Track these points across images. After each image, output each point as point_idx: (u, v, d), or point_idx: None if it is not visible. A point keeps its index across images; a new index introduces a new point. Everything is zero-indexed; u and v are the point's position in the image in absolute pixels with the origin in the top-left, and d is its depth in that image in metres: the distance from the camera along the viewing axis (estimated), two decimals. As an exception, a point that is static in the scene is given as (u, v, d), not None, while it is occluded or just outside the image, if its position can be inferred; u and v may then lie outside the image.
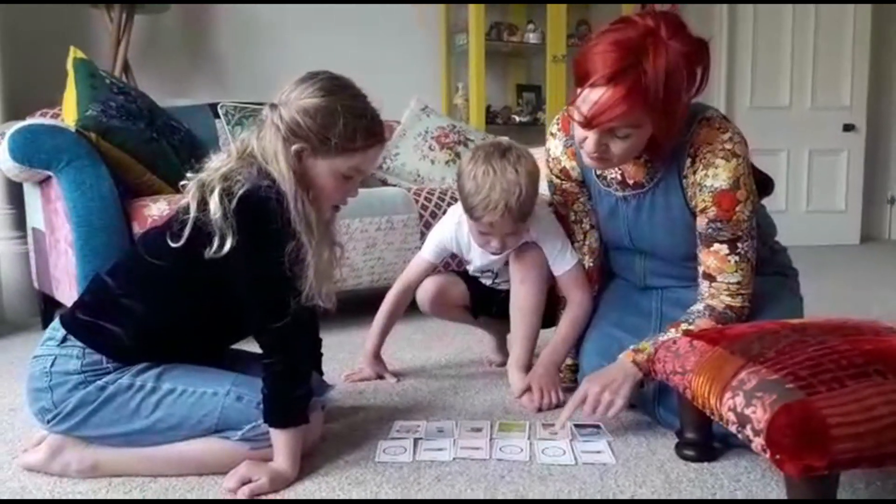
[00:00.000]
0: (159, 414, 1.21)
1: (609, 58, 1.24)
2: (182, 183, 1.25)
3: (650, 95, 1.24)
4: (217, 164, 1.23)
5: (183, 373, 1.25)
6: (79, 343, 1.22)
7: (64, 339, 1.23)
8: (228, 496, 1.16)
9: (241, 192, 1.15)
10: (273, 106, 1.24)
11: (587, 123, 1.30)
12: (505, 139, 1.76)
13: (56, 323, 1.27)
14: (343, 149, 1.22)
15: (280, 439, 1.20)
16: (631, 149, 1.36)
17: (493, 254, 1.66)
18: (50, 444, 1.25)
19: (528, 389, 1.59)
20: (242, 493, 1.15)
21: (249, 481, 1.17)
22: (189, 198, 1.20)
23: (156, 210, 2.11)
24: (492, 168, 1.51)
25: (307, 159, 1.23)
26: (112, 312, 1.24)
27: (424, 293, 1.81)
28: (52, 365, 1.22)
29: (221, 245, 1.15)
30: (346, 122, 1.21)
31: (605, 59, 1.25)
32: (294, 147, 1.21)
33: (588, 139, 1.34)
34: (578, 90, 1.31)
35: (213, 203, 1.15)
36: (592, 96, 1.27)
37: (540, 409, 1.56)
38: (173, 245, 1.19)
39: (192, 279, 1.23)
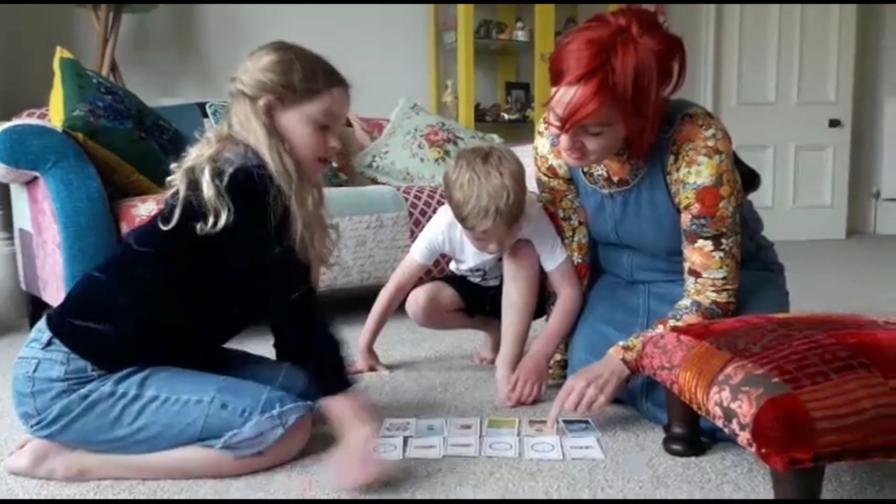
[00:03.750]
0: (141, 422, 1.20)
1: (581, 56, 1.26)
2: (168, 178, 1.25)
3: (619, 93, 1.26)
4: (199, 151, 1.24)
5: (167, 378, 1.23)
6: (64, 348, 1.20)
7: (49, 343, 1.21)
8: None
9: (231, 169, 1.17)
10: (233, 79, 1.29)
11: (562, 125, 1.31)
12: (486, 143, 1.77)
13: (41, 324, 1.25)
14: (307, 91, 1.26)
15: (342, 405, 1.24)
16: (606, 146, 1.37)
17: (492, 254, 1.66)
18: (35, 449, 1.23)
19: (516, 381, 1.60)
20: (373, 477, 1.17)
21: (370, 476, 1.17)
22: (177, 183, 1.21)
23: (144, 210, 2.10)
24: (476, 175, 1.51)
25: (278, 113, 1.26)
26: (102, 310, 1.23)
27: (415, 305, 1.80)
28: (34, 370, 1.20)
29: (216, 222, 1.15)
30: (304, 65, 1.26)
31: (577, 58, 1.26)
32: (261, 102, 1.25)
33: (563, 137, 1.35)
34: (553, 89, 1.32)
35: (205, 183, 1.16)
36: (565, 97, 1.28)
37: (520, 402, 1.56)
38: (164, 228, 1.20)
39: (184, 264, 1.22)
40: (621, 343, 1.43)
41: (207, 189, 1.16)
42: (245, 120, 1.25)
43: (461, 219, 1.56)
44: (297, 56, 1.27)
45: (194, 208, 1.17)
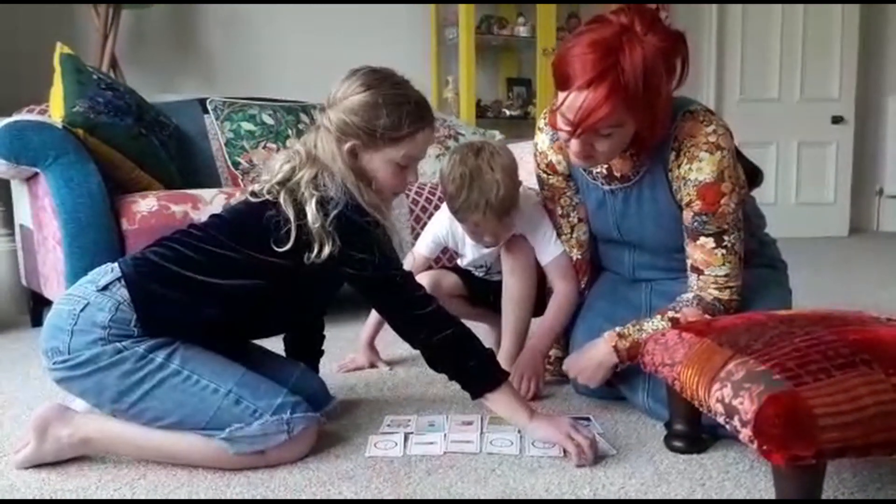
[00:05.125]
0: (158, 392, 1.21)
1: (587, 60, 1.25)
2: (257, 188, 1.30)
3: (630, 93, 1.25)
4: (290, 164, 1.29)
5: (193, 357, 1.24)
6: (117, 296, 1.22)
7: (105, 288, 1.23)
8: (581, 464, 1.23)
9: (335, 211, 1.23)
10: (322, 109, 1.32)
11: (574, 130, 1.30)
12: (487, 136, 1.79)
13: (104, 269, 1.28)
14: (391, 139, 1.29)
15: (506, 396, 1.29)
16: (616, 146, 1.37)
17: (488, 247, 1.69)
18: (35, 426, 1.24)
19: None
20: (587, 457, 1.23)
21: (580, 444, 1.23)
22: (282, 204, 1.25)
23: (144, 206, 2.10)
24: (468, 170, 1.55)
25: (362, 154, 1.30)
26: (175, 281, 1.25)
27: None
28: (82, 309, 1.22)
29: (320, 251, 1.23)
30: (389, 112, 1.27)
31: (583, 62, 1.25)
32: (346, 146, 1.28)
33: (573, 141, 1.34)
34: (560, 94, 1.31)
35: (311, 213, 1.23)
36: (576, 102, 1.27)
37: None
38: (279, 248, 1.24)
39: (276, 279, 1.28)
40: (617, 329, 1.44)
41: (313, 220, 1.23)
42: (331, 157, 1.29)
43: (454, 211, 1.60)
44: (384, 99, 1.27)
45: (302, 235, 1.24)
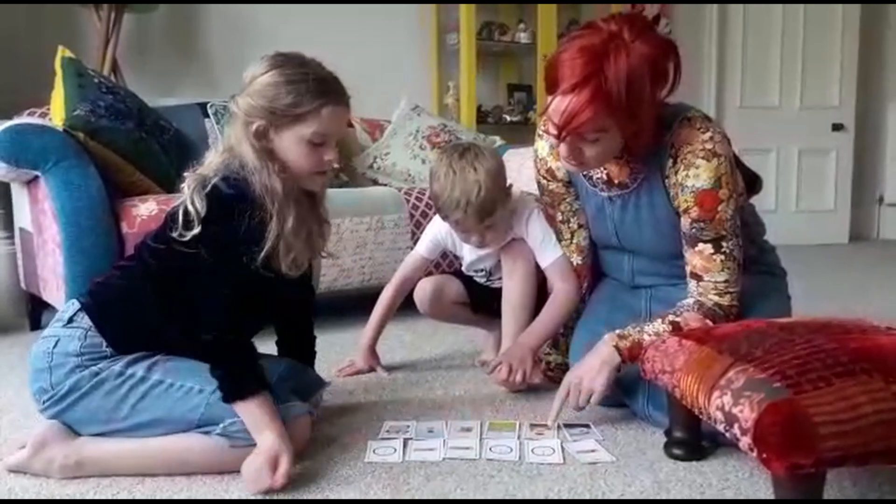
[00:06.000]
0: (145, 404, 1.24)
1: (575, 64, 1.27)
2: (182, 186, 1.28)
3: (613, 99, 1.26)
4: (208, 160, 1.31)
5: (174, 365, 1.27)
6: (83, 325, 1.26)
7: (70, 320, 1.28)
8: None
9: (210, 184, 1.23)
10: (233, 97, 1.32)
11: (559, 133, 1.32)
12: (466, 139, 1.83)
13: (66, 304, 1.32)
14: (294, 116, 1.27)
15: (252, 414, 1.20)
16: (604, 151, 1.38)
17: (478, 248, 1.72)
18: (34, 439, 1.25)
19: (500, 366, 1.61)
20: (276, 484, 1.16)
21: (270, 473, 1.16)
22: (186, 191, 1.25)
23: (145, 210, 2.10)
24: (452, 169, 1.59)
25: (270, 136, 1.28)
26: (127, 296, 1.30)
27: (422, 293, 1.84)
28: (54, 346, 1.26)
29: (187, 230, 1.21)
30: (289, 90, 1.26)
31: (570, 67, 1.27)
32: (252, 127, 1.27)
33: (561, 145, 1.36)
34: (549, 98, 1.33)
35: (188, 192, 1.23)
36: (560, 106, 1.29)
37: (507, 381, 1.58)
38: (171, 234, 1.24)
39: (182, 267, 1.26)
40: (617, 331, 1.44)
41: (189, 198, 1.22)
42: (237, 142, 1.29)
43: (437, 209, 1.66)
44: (284, 77, 1.27)
45: (185, 217, 1.22)
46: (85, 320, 1.27)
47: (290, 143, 1.29)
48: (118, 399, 1.24)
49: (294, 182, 1.30)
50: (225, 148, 1.32)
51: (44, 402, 1.27)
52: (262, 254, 1.24)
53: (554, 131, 1.34)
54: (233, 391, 1.21)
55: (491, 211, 1.61)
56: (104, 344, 1.26)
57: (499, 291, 1.78)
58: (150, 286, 1.29)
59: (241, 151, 1.28)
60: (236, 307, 1.24)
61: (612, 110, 1.28)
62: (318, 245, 1.41)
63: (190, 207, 1.21)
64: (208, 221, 1.21)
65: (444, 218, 1.67)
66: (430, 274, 1.92)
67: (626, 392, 1.49)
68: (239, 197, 1.23)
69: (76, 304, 1.30)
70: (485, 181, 1.57)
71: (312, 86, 1.27)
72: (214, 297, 1.23)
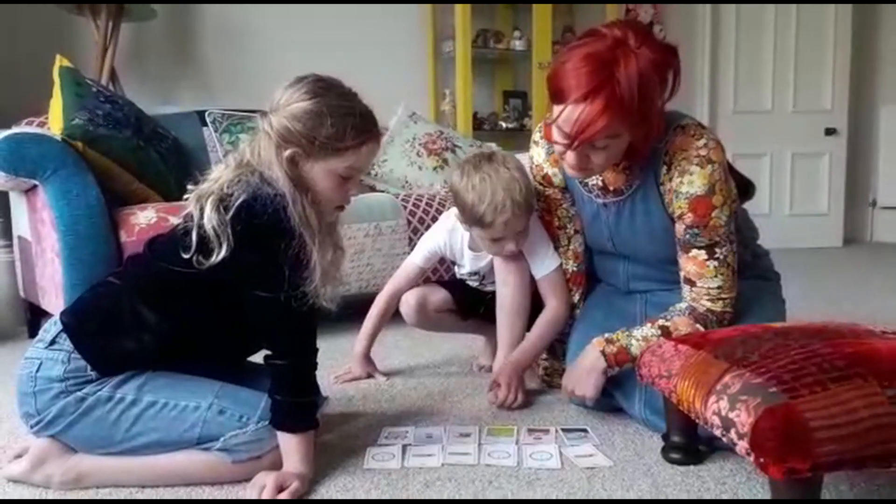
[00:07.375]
0: (139, 427, 1.21)
1: (582, 73, 1.26)
2: (185, 196, 1.25)
3: (626, 105, 1.26)
4: (216, 174, 1.24)
5: (165, 384, 1.23)
6: (66, 347, 1.21)
7: (52, 342, 1.22)
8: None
9: (237, 201, 1.15)
10: (263, 114, 1.25)
11: (571, 143, 1.31)
12: (484, 148, 1.81)
13: (48, 324, 1.26)
14: (334, 149, 1.23)
15: (291, 443, 1.21)
16: (611, 157, 1.38)
17: (508, 255, 1.66)
18: (33, 454, 1.23)
19: (498, 385, 1.62)
20: (283, 495, 1.15)
21: (281, 488, 1.16)
22: (191, 209, 1.19)
23: (143, 218, 2.11)
24: (486, 174, 1.57)
25: (302, 163, 1.23)
26: (112, 318, 1.23)
27: (407, 307, 1.83)
28: (37, 370, 1.21)
29: (215, 253, 1.15)
30: (334, 122, 1.21)
31: (578, 75, 1.27)
32: (286, 153, 1.21)
33: (569, 154, 1.35)
34: (555, 108, 1.32)
35: (208, 210, 1.15)
36: (573, 115, 1.28)
37: (504, 406, 1.59)
38: (185, 256, 1.18)
39: (202, 287, 1.21)
40: (605, 335, 1.45)
41: (208, 219, 1.15)
42: (268, 163, 1.22)
43: (478, 219, 1.57)
44: (329, 108, 1.22)
45: (204, 240, 1.16)
46: (67, 343, 1.21)
47: (320, 174, 1.24)
48: (110, 425, 1.20)
49: (321, 212, 1.26)
50: (239, 163, 1.24)
51: (32, 427, 1.23)
52: (312, 286, 1.19)
53: (563, 140, 1.33)
54: (288, 423, 1.21)
55: (532, 206, 1.62)
56: (88, 368, 1.20)
57: (490, 295, 1.79)
58: (140, 306, 1.22)
59: (273, 176, 1.20)
60: (314, 330, 1.24)
61: (626, 116, 1.28)
62: (338, 274, 1.34)
63: (209, 228, 1.14)
64: (246, 244, 1.15)
65: (489, 225, 1.56)
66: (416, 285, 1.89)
67: (623, 396, 1.50)
68: (276, 222, 1.16)
69: (58, 325, 1.24)
70: (520, 178, 1.58)
71: (357, 121, 1.24)
72: (288, 320, 1.20)
